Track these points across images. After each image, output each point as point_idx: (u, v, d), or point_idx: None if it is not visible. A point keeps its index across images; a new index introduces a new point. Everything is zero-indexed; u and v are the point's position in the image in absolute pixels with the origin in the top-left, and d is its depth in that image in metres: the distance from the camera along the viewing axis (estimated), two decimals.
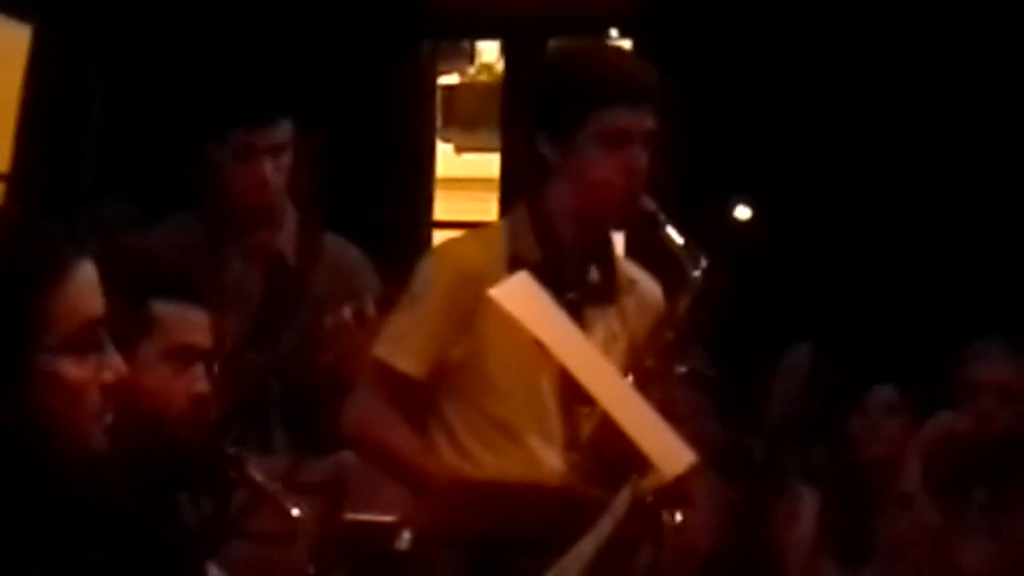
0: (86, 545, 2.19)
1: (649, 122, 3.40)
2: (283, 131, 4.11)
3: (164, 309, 2.85)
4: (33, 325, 2.11)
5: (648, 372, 3.27)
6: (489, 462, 3.37)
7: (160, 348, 2.85)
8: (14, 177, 7.33)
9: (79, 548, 2.18)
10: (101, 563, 2.20)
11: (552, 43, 7.22)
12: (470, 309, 3.37)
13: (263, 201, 4.12)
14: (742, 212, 7.36)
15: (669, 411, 3.01)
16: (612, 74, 3.42)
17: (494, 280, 3.27)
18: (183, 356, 2.89)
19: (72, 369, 2.13)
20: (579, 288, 3.36)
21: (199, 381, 2.91)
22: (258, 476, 3.12)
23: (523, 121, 3.50)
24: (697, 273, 3.34)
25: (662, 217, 3.37)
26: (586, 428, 3.35)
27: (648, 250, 3.52)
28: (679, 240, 3.35)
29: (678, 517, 3.14)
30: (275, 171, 4.10)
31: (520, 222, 3.49)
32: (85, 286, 2.15)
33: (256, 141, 4.07)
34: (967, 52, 6.44)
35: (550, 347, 2.97)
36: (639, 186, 3.38)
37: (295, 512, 3.04)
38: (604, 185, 3.38)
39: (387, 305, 3.71)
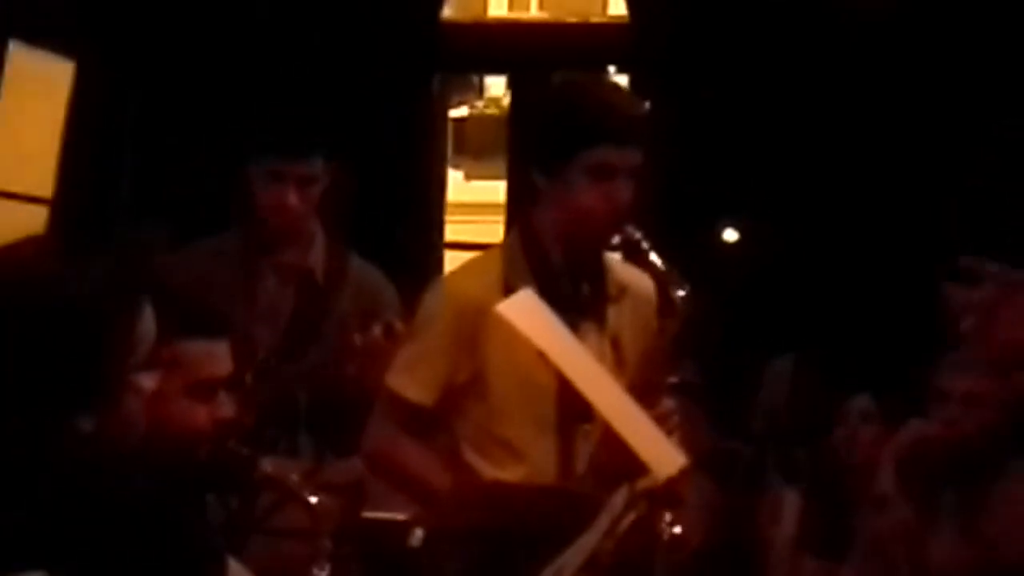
0: (125, 536, 2.21)
1: (634, 158, 3.39)
2: (314, 165, 4.11)
3: (187, 348, 2.84)
4: (126, 348, 2.25)
5: (642, 382, 3.28)
6: (494, 477, 3.38)
7: (184, 382, 2.84)
8: (57, 201, 7.34)
9: (120, 538, 2.20)
10: (134, 555, 2.22)
11: (555, 77, 7.22)
12: (472, 336, 3.37)
13: (287, 225, 4.12)
14: (730, 235, 7.37)
15: (661, 418, 3.02)
16: (602, 113, 3.40)
17: (492, 307, 3.27)
18: (203, 389, 2.89)
19: (149, 382, 2.31)
20: (572, 305, 3.36)
21: (222, 407, 2.91)
22: (272, 471, 3.13)
23: (523, 153, 3.51)
24: (681, 294, 3.35)
25: (646, 245, 3.38)
26: (582, 444, 3.36)
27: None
28: (662, 266, 3.37)
29: (668, 516, 3.15)
30: (301, 200, 4.10)
31: (514, 249, 3.49)
32: (150, 316, 2.30)
33: (287, 170, 4.08)
34: (945, 83, 6.45)
35: (551, 358, 2.97)
36: (623, 216, 3.38)
37: (312, 500, 3.04)
38: (589, 213, 3.38)
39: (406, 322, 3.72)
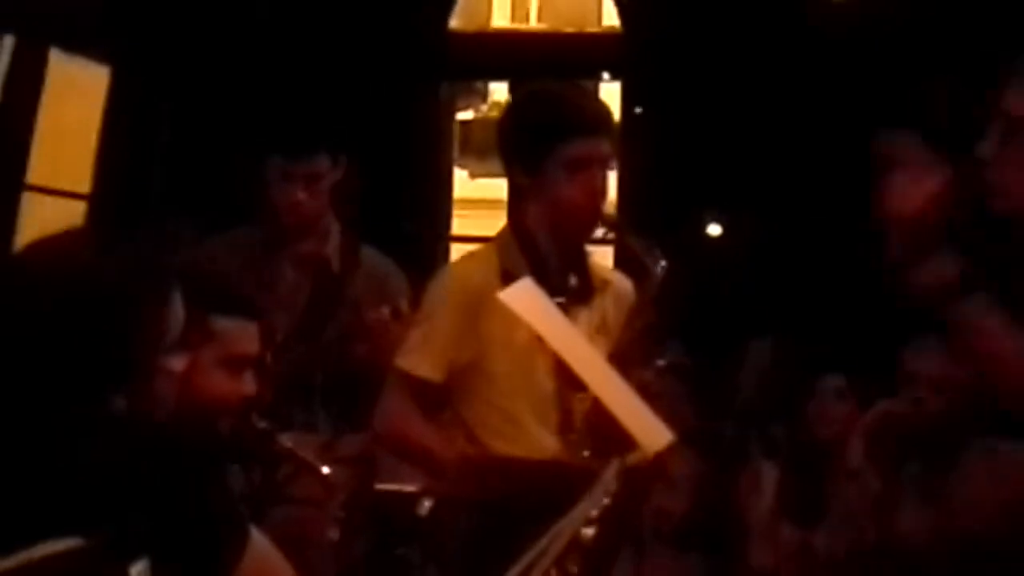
0: (153, 505, 2.21)
1: (605, 148, 3.43)
2: (318, 163, 4.12)
3: (221, 324, 2.85)
4: (157, 333, 2.25)
5: (630, 358, 3.29)
6: (498, 448, 3.38)
7: (217, 356, 2.84)
8: (94, 197, 7.34)
9: (149, 506, 2.20)
10: (162, 522, 2.22)
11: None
12: (474, 319, 3.38)
13: (298, 220, 4.13)
14: (715, 227, 7.36)
15: (650, 395, 3.01)
16: (570, 111, 3.44)
17: (492, 293, 3.27)
18: (235, 364, 2.90)
19: (179, 364, 2.31)
20: (562, 292, 3.37)
21: (248, 385, 2.92)
22: (290, 445, 3.14)
23: (504, 157, 3.53)
24: (658, 268, 3.36)
25: (622, 227, 3.40)
26: (579, 412, 3.36)
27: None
28: (640, 242, 3.38)
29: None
30: (310, 196, 4.11)
31: (507, 242, 3.51)
32: (179, 303, 2.30)
33: (294, 170, 4.09)
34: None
35: (548, 340, 2.97)
36: (601, 201, 3.42)
37: (325, 470, 3.04)
38: (570, 202, 3.41)
39: (415, 306, 3.72)
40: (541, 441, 3.37)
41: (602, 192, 3.43)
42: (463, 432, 3.42)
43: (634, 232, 3.42)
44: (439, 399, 3.45)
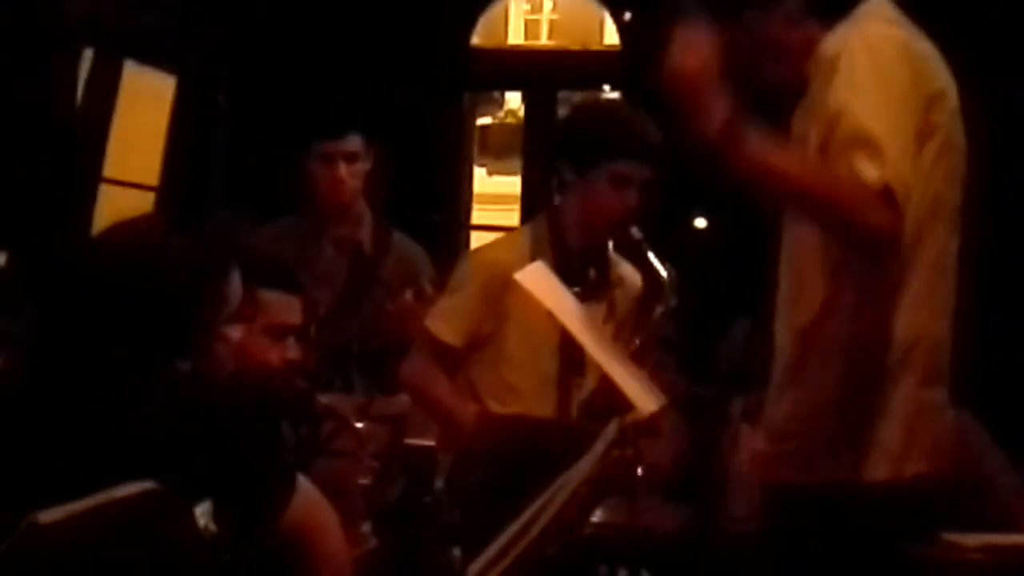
0: (215, 454, 2.22)
1: (646, 173, 3.43)
2: (353, 142, 4.14)
3: (267, 296, 2.85)
4: (217, 307, 2.29)
5: (632, 344, 3.31)
6: (497, 411, 3.40)
7: (263, 325, 2.85)
8: (161, 188, 7.35)
9: (211, 456, 2.21)
10: (222, 469, 2.23)
11: (561, 94, 7.22)
12: (498, 297, 3.38)
13: (341, 199, 4.13)
14: (700, 223, 7.36)
15: (645, 365, 3.02)
16: (628, 134, 3.43)
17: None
18: (280, 332, 2.90)
19: (235, 332, 2.35)
20: (581, 283, 3.36)
21: (291, 350, 2.92)
22: (330, 405, 3.15)
23: (548, 149, 3.53)
24: (669, 282, 3.36)
25: (645, 245, 3.40)
26: (575, 397, 3.38)
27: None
28: (656, 261, 3.39)
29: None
30: (350, 175, 4.12)
31: (540, 230, 3.50)
32: (237, 281, 2.33)
33: (333, 150, 4.10)
34: None
35: (556, 314, 2.97)
36: (631, 218, 3.41)
37: (360, 427, 3.05)
38: (605, 212, 3.40)
39: (438, 286, 3.73)
40: (538, 409, 3.39)
41: (634, 209, 3.41)
42: (471, 396, 3.43)
43: (652, 248, 3.42)
44: (458, 363, 3.46)
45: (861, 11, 2.57)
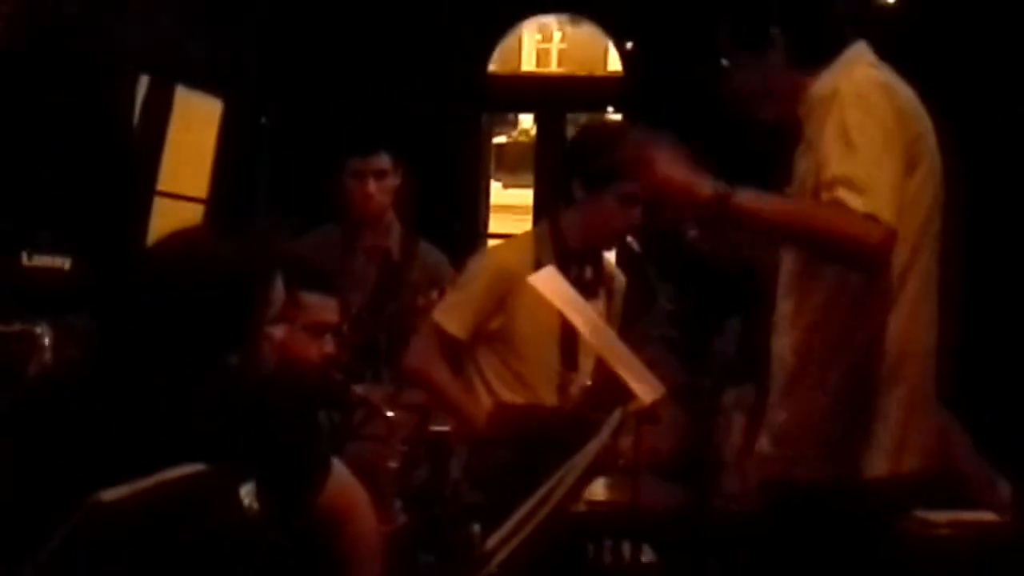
0: (259, 439, 2.22)
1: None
2: (382, 160, 4.15)
3: (307, 298, 2.86)
4: (262, 307, 2.28)
5: (631, 336, 3.30)
6: (508, 399, 3.39)
7: (304, 323, 2.85)
8: (210, 201, 7.36)
9: (256, 440, 2.21)
10: (266, 452, 2.23)
11: (569, 116, 7.21)
12: (505, 295, 3.37)
13: (371, 211, 4.14)
14: (693, 232, 7.34)
15: (646, 359, 3.02)
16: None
17: (524, 275, 3.27)
18: (318, 329, 2.90)
19: (279, 330, 2.35)
20: (579, 284, 3.36)
21: (328, 346, 2.93)
22: (362, 394, 3.15)
23: (560, 168, 3.52)
24: (666, 292, 3.36)
25: (643, 256, 3.40)
26: (573, 387, 3.37)
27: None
28: (653, 271, 3.40)
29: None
30: (378, 190, 4.12)
31: (543, 236, 3.49)
32: (279, 285, 2.32)
33: (364, 167, 4.10)
34: None
35: (567, 315, 2.97)
36: (633, 232, 3.40)
37: (390, 414, 3.05)
38: (611, 227, 3.40)
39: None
40: (543, 398, 3.38)
41: (637, 225, 3.41)
42: (482, 383, 3.41)
43: (650, 263, 3.42)
44: (459, 355, 3.43)
45: (846, 57, 2.57)
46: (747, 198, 2.45)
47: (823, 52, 2.56)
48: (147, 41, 6.87)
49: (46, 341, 3.00)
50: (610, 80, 8.63)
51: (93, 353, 2.31)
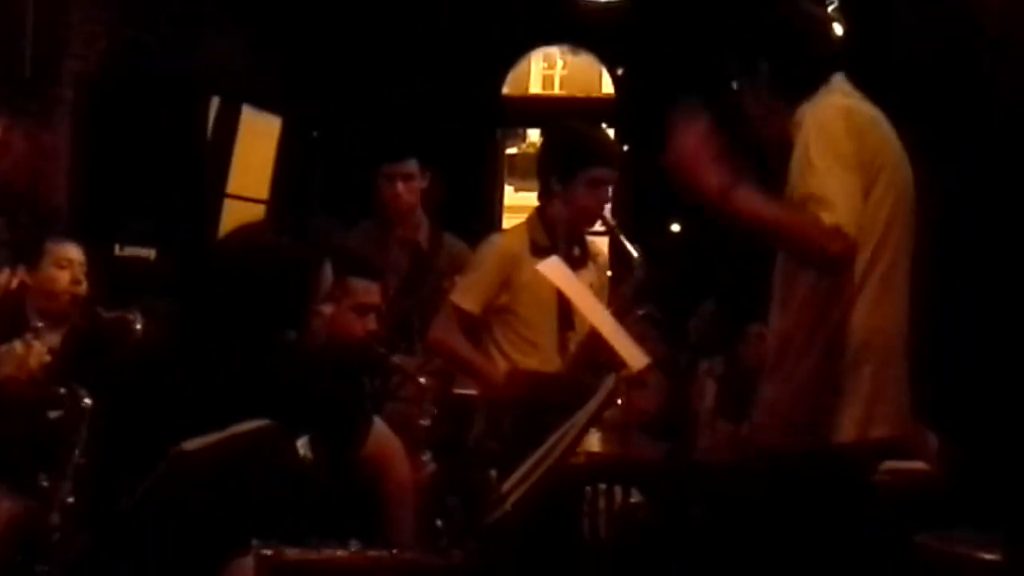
0: (313, 401, 2.23)
1: (614, 175, 3.40)
2: (410, 165, 4.12)
3: (354, 282, 2.85)
4: (315, 290, 2.28)
5: (619, 310, 3.30)
6: (522, 362, 3.38)
7: (351, 304, 2.85)
8: (271, 202, 7.38)
9: (311, 402, 2.22)
10: (319, 412, 2.24)
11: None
12: (510, 274, 3.37)
13: (399, 208, 4.11)
14: (675, 226, 7.33)
15: (634, 334, 3.02)
16: (597, 146, 3.42)
17: (524, 257, 3.30)
18: (363, 309, 2.90)
19: (329, 310, 2.37)
20: (568, 260, 3.34)
21: (371, 323, 2.93)
22: (397, 362, 3.15)
23: (543, 168, 3.50)
24: (636, 258, 3.36)
25: (617, 228, 3.39)
26: (571, 343, 3.36)
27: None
28: (627, 242, 3.37)
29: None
30: (406, 191, 4.10)
31: (535, 223, 3.48)
32: (329, 271, 2.33)
33: (394, 171, 4.09)
34: None
35: (567, 293, 2.96)
36: (604, 210, 3.39)
37: (421, 380, 3.04)
38: (586, 208, 3.38)
39: None
40: (550, 357, 3.37)
41: (607, 203, 3.41)
42: (497, 349, 3.41)
43: (622, 232, 3.42)
44: (475, 328, 3.42)
45: (823, 89, 2.55)
46: (744, 198, 2.43)
47: (803, 84, 2.55)
48: (217, 70, 6.88)
49: (138, 326, 3.01)
50: (604, 100, 8.63)
51: (175, 331, 2.32)
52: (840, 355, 2.48)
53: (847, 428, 2.46)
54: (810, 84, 2.55)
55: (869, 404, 2.48)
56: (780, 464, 2.49)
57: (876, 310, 2.50)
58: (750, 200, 2.43)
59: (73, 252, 3.51)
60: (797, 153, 2.44)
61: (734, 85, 2.61)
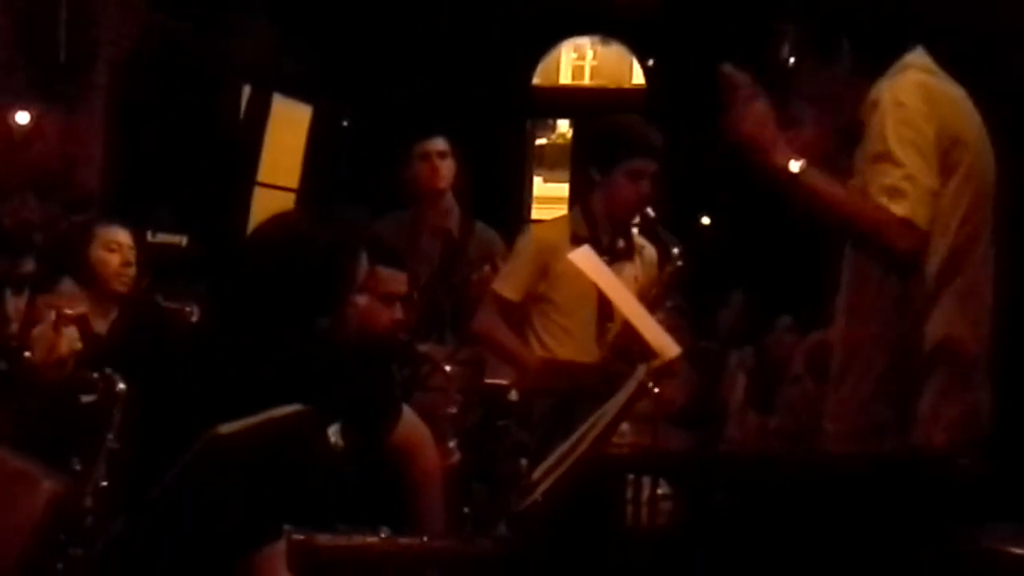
0: (345, 388, 2.23)
1: (655, 167, 3.38)
2: (442, 142, 4.13)
3: (382, 272, 2.84)
4: (351, 280, 2.28)
5: (652, 302, 3.28)
6: (558, 350, 3.38)
7: (379, 293, 2.84)
8: (300, 190, 7.41)
9: (343, 388, 2.22)
10: (350, 399, 2.25)
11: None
12: (548, 263, 3.37)
13: (437, 185, 4.11)
14: (706, 220, 7.31)
15: (664, 325, 3.00)
16: (637, 137, 3.40)
17: (563, 247, 3.27)
18: (391, 298, 2.89)
19: (362, 300, 2.36)
20: (611, 253, 3.35)
21: (397, 312, 2.92)
22: (426, 351, 3.15)
23: (583, 158, 3.49)
24: (676, 251, 3.34)
25: (657, 220, 3.37)
26: (609, 333, 3.36)
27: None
28: (665, 233, 3.36)
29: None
30: (440, 168, 4.11)
31: (577, 215, 3.48)
32: (364, 260, 2.32)
33: (429, 148, 4.10)
34: None
35: (598, 283, 2.95)
36: (646, 202, 3.38)
37: (448, 368, 3.05)
38: (626, 200, 3.37)
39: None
40: (587, 346, 3.37)
41: (648, 196, 3.39)
42: (536, 338, 3.41)
43: (663, 226, 3.40)
44: (517, 316, 3.43)
45: (902, 62, 2.34)
46: (814, 177, 2.25)
47: (885, 58, 2.33)
48: (249, 57, 6.90)
49: (194, 319, 3.02)
50: (634, 91, 8.59)
51: (214, 315, 2.33)
52: (908, 362, 2.32)
53: (913, 435, 2.32)
54: (894, 54, 2.33)
55: (935, 410, 2.32)
56: (853, 468, 2.39)
57: (953, 317, 2.32)
58: (822, 181, 2.25)
59: (122, 235, 3.54)
60: (871, 134, 2.25)
61: (790, 64, 2.41)
